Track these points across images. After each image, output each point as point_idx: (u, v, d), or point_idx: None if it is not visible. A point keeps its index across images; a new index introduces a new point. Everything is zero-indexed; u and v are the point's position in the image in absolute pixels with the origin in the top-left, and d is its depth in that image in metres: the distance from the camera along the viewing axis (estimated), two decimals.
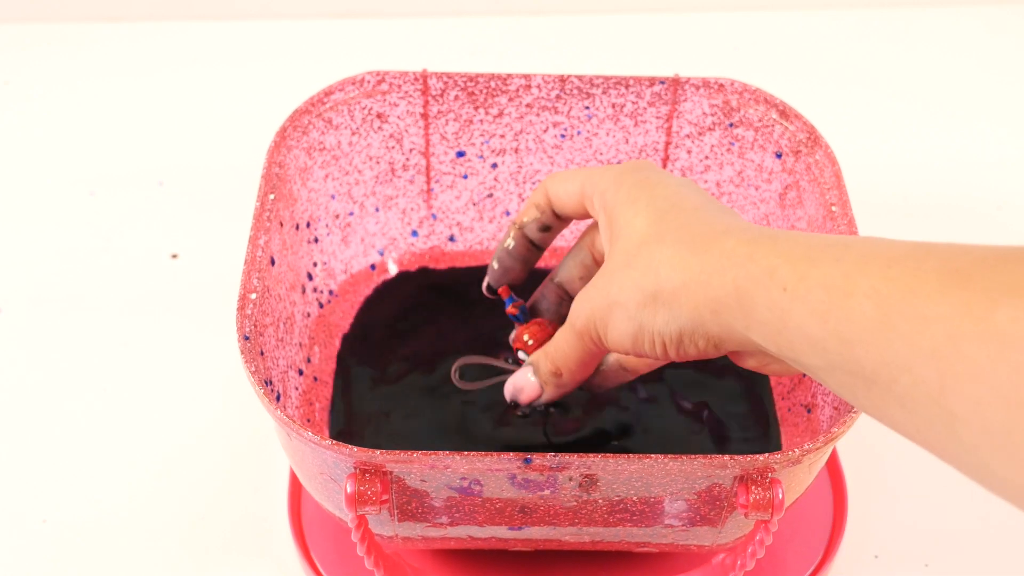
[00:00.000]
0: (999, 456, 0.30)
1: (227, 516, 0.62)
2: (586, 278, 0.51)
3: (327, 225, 0.64)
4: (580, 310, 0.45)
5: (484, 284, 0.53)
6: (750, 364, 0.43)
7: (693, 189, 0.45)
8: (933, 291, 0.32)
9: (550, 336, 0.52)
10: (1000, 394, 0.29)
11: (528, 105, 0.64)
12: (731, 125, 0.63)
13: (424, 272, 0.68)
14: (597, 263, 0.51)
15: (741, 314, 0.38)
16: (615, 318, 0.43)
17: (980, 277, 0.31)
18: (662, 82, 0.63)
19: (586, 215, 0.49)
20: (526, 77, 0.63)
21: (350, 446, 0.44)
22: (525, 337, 0.53)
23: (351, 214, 0.65)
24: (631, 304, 0.42)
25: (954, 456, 0.32)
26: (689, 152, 0.65)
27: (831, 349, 0.35)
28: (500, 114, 0.64)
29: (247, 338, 0.49)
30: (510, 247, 0.52)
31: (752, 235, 0.40)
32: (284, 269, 0.57)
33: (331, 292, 0.64)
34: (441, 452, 0.45)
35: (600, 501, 0.48)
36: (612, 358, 0.51)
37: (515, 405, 0.50)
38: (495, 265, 0.52)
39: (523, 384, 0.49)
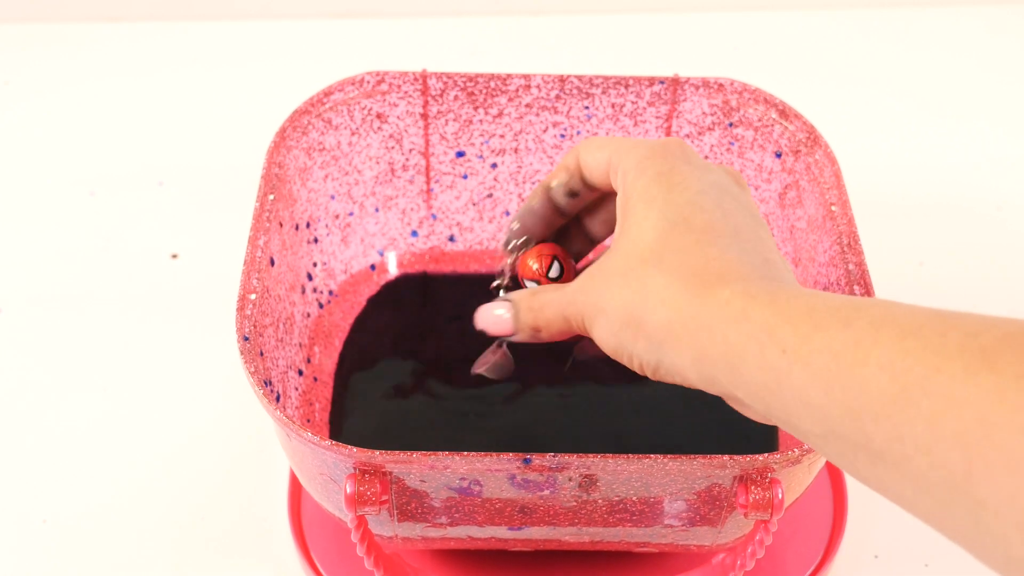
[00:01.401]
0: None
1: (227, 516, 0.62)
2: (571, 203, 0.48)
3: (327, 225, 0.64)
4: (573, 299, 0.43)
5: (503, 241, 0.50)
6: (732, 403, 0.40)
7: (712, 196, 0.42)
8: (958, 370, 0.30)
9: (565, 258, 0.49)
10: None
11: (528, 105, 0.64)
12: (731, 125, 0.63)
13: (424, 273, 0.68)
14: (586, 185, 0.47)
15: (726, 369, 0.37)
16: (600, 324, 0.41)
17: (1012, 360, 0.29)
18: (662, 82, 0.63)
19: (612, 187, 0.46)
20: (526, 77, 0.63)
21: (350, 447, 0.44)
22: (533, 266, 0.49)
23: (351, 214, 0.65)
24: (616, 320, 0.40)
25: (974, 541, 0.30)
26: None
27: (833, 417, 0.33)
28: (500, 114, 0.64)
29: (247, 339, 0.49)
30: (534, 207, 0.49)
31: (750, 287, 0.37)
32: (284, 269, 0.57)
33: (331, 292, 0.64)
34: (440, 452, 0.45)
35: (600, 501, 0.48)
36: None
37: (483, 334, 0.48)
38: (515, 225, 0.49)
39: (497, 319, 0.46)
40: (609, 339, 0.41)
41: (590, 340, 0.47)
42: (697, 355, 0.38)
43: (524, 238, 0.49)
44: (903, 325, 0.32)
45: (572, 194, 0.48)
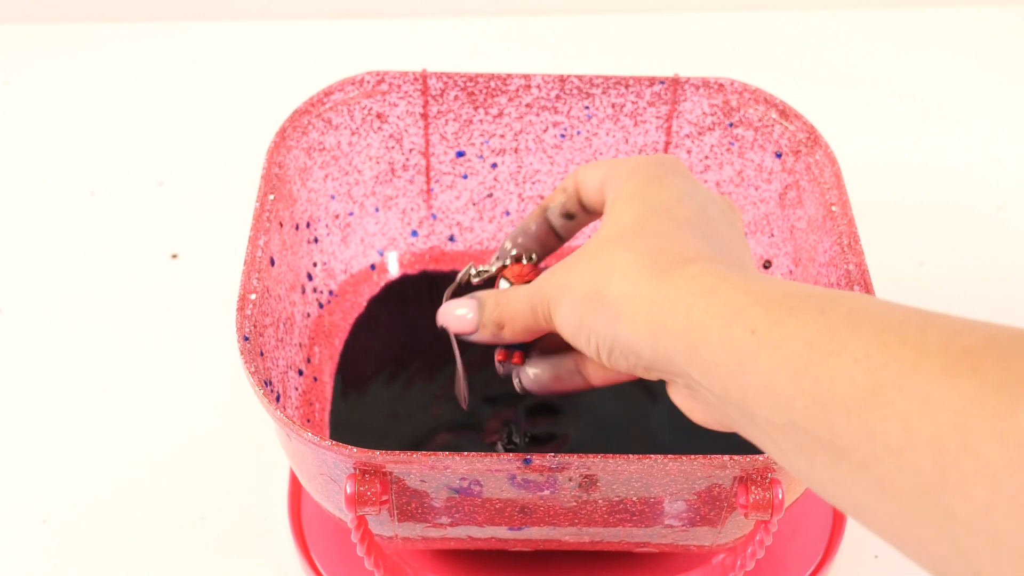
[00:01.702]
0: (1005, 571, 0.27)
1: (227, 516, 0.62)
2: (566, 225, 0.49)
3: (327, 225, 0.64)
4: (542, 284, 0.43)
5: (495, 256, 0.50)
6: (676, 399, 0.39)
7: (698, 200, 0.42)
8: (938, 371, 0.28)
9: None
10: (1020, 506, 0.26)
11: (528, 105, 0.64)
12: (731, 125, 0.63)
13: (424, 272, 0.68)
14: (583, 208, 0.48)
15: (685, 346, 0.35)
16: (564, 302, 0.41)
17: (994, 366, 0.28)
18: (662, 82, 0.63)
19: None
20: (526, 77, 0.63)
21: (350, 447, 0.44)
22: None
23: (351, 214, 0.65)
24: (579, 294, 0.40)
25: (935, 555, 0.29)
26: (689, 152, 0.65)
27: (799, 409, 0.32)
28: (500, 114, 0.64)
29: (247, 339, 0.49)
30: (531, 227, 0.49)
31: (722, 269, 0.37)
32: (284, 269, 0.57)
33: (331, 292, 0.64)
34: (441, 453, 0.45)
35: (600, 501, 0.48)
36: (571, 364, 0.47)
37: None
38: (508, 244, 0.49)
39: (459, 318, 0.46)
40: (571, 316, 0.40)
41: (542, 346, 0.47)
42: (655, 329, 0.36)
43: (513, 253, 0.49)
44: (881, 319, 0.31)
45: (568, 216, 0.48)
